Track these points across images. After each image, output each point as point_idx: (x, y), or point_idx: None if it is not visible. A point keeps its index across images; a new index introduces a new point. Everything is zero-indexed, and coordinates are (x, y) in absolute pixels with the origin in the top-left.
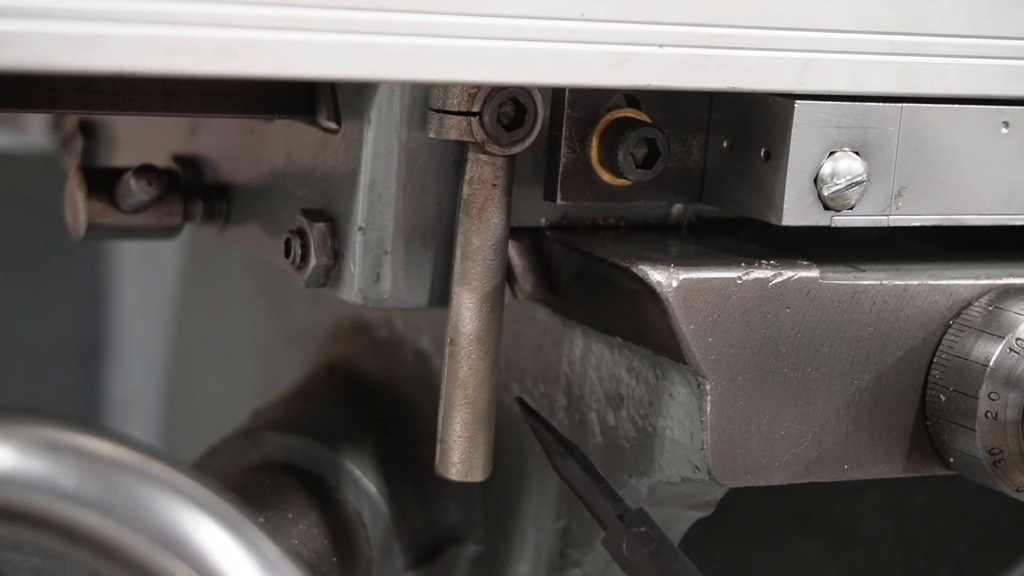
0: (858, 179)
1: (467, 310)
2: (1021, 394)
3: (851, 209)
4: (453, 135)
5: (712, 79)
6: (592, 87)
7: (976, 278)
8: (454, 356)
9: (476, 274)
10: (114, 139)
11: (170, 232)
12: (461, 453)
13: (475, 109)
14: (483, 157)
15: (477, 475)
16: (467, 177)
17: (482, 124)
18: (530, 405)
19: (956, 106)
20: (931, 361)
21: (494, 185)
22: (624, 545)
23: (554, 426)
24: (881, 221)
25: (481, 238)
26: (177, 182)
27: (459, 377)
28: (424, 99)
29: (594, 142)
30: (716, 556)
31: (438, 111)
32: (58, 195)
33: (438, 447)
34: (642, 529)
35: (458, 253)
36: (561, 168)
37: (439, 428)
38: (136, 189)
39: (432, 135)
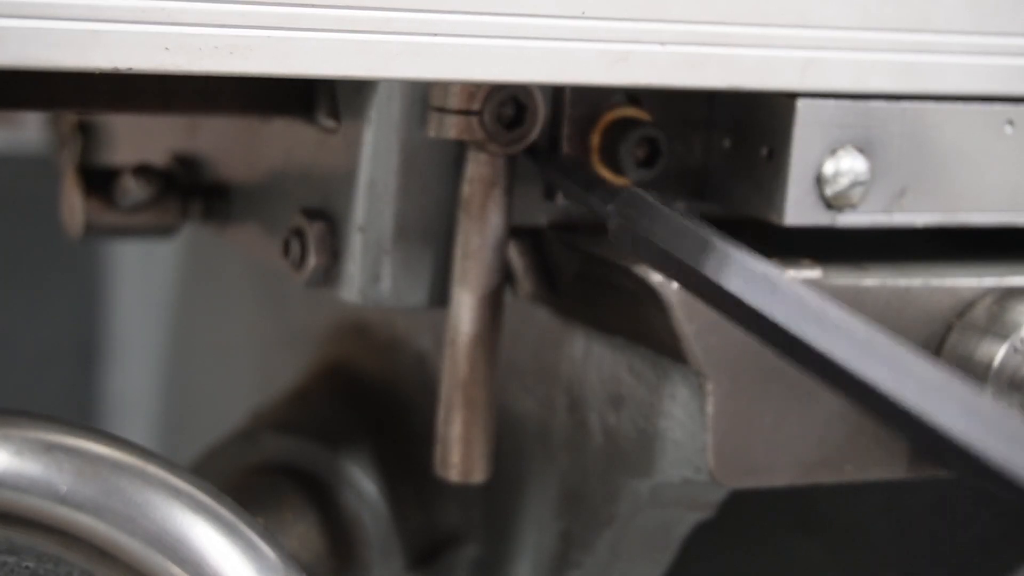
0: (861, 178)
1: (467, 310)
2: None
3: (854, 209)
4: (453, 134)
5: (713, 78)
6: (593, 86)
7: (980, 278)
8: (454, 357)
9: (476, 274)
10: (112, 138)
11: (168, 231)
12: (460, 454)
13: (475, 108)
14: (483, 156)
15: (477, 476)
16: (467, 176)
17: (482, 123)
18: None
19: (960, 104)
20: None
21: (494, 184)
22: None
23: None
24: (884, 221)
25: (481, 238)
26: (175, 181)
27: (459, 378)
28: (424, 98)
29: (595, 141)
30: (718, 557)
31: (438, 109)
32: (55, 194)
33: (437, 448)
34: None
35: (458, 253)
36: None
37: (438, 429)
38: (134, 188)
39: (432, 133)
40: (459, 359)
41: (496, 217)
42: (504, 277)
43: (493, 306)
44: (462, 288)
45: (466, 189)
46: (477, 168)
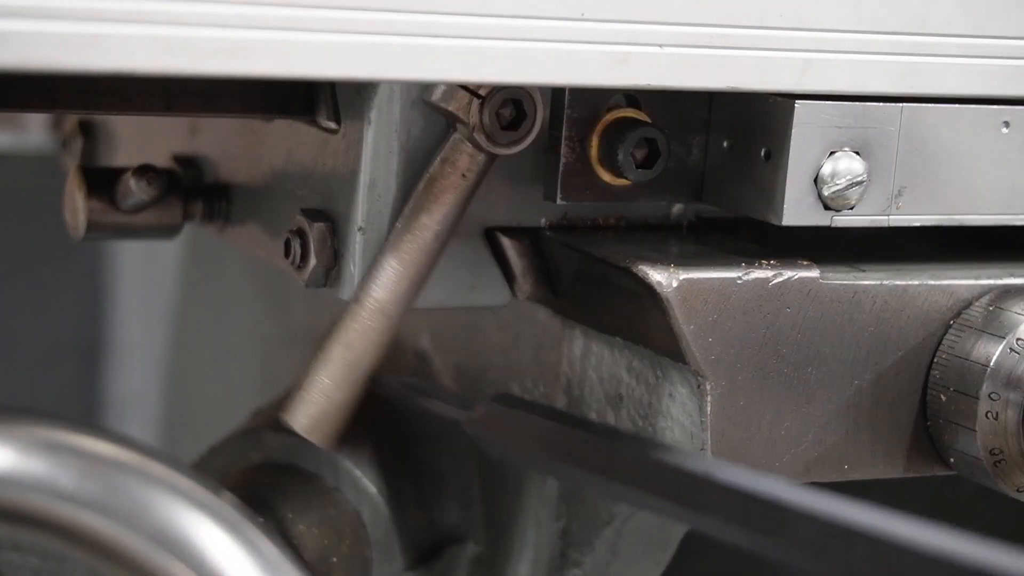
0: (858, 179)
1: (385, 278)
2: (1022, 394)
3: (851, 209)
4: (454, 107)
5: (712, 79)
6: (592, 87)
7: (976, 278)
8: (352, 314)
9: (410, 249)
10: (114, 139)
11: (170, 232)
12: (315, 408)
13: (482, 92)
14: (467, 147)
15: (318, 438)
16: (441, 155)
17: (482, 110)
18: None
19: (956, 106)
20: (931, 361)
21: (463, 176)
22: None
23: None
24: (881, 221)
25: (430, 218)
26: (177, 182)
27: (347, 337)
28: (424, 100)
29: (594, 142)
30: (716, 556)
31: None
32: (58, 195)
33: (294, 394)
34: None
35: (400, 223)
36: (561, 168)
37: (303, 377)
38: (136, 189)
39: (435, 99)
40: (356, 318)
41: (452, 206)
42: (433, 265)
43: (411, 287)
44: (391, 255)
45: (436, 166)
46: (456, 153)
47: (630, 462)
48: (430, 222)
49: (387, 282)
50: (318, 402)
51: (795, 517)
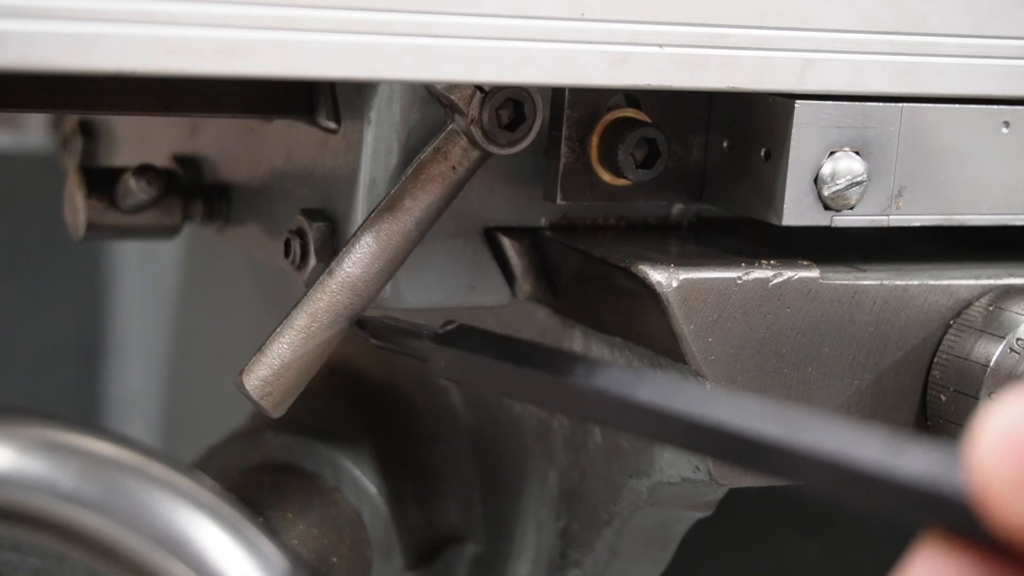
0: (858, 179)
1: (359, 255)
2: None
3: (851, 209)
4: (456, 96)
5: (712, 79)
6: (592, 87)
7: (976, 278)
8: (323, 286)
9: (389, 231)
10: (114, 139)
11: (170, 232)
12: (270, 373)
13: (486, 87)
14: (462, 140)
15: (270, 404)
16: (435, 143)
17: (482, 106)
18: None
19: (956, 106)
20: (931, 361)
21: (454, 168)
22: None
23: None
24: (881, 221)
25: (414, 203)
26: (177, 182)
27: (315, 307)
28: (423, 99)
29: (594, 142)
30: (717, 556)
31: None
32: (57, 195)
33: (255, 355)
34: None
35: (384, 202)
36: (561, 168)
37: (266, 340)
38: (136, 189)
39: (439, 87)
40: (325, 290)
41: (438, 196)
42: (410, 250)
43: (384, 267)
44: (369, 232)
45: (428, 153)
46: (450, 144)
47: (567, 382)
48: (413, 207)
49: (361, 259)
50: (273, 367)
51: (682, 423)
